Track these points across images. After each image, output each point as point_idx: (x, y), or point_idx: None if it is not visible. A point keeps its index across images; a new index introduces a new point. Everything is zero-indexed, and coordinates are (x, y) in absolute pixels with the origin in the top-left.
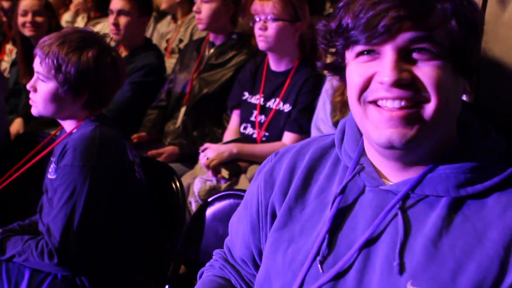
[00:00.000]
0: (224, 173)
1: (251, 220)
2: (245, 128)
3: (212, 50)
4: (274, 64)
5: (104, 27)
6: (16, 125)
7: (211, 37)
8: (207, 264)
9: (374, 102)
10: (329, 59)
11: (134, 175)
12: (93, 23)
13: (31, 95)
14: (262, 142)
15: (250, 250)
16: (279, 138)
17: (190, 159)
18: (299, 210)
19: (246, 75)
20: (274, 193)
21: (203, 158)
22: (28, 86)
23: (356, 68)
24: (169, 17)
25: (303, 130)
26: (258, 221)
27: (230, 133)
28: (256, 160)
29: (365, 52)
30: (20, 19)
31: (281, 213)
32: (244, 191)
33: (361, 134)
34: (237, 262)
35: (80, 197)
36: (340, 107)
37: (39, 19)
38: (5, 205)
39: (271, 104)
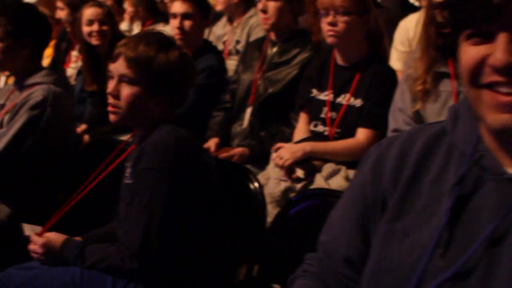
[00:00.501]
0: (299, 173)
1: (358, 214)
2: (315, 125)
3: (274, 49)
4: (342, 59)
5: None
6: (82, 133)
7: (273, 35)
8: (300, 269)
9: (488, 86)
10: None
11: (209, 177)
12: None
13: (112, 100)
14: (334, 139)
15: (358, 248)
16: (351, 134)
17: (260, 160)
18: (412, 200)
19: (313, 72)
20: (384, 183)
21: (276, 158)
22: (110, 91)
23: (467, 51)
24: (224, 19)
25: (377, 125)
26: (366, 214)
27: (300, 131)
28: (331, 158)
29: (477, 34)
30: (86, 29)
31: (393, 204)
32: (322, 190)
33: (477, 120)
34: (339, 263)
35: (159, 199)
36: (422, 95)
37: (104, 27)
38: (81, 214)
39: (341, 99)
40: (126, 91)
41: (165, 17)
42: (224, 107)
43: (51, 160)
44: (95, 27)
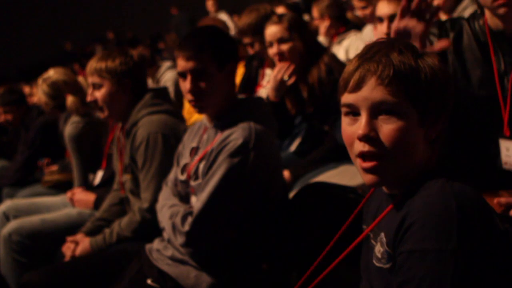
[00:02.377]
0: None
1: None
2: None
3: None
4: None
5: (351, 42)
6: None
7: None
8: None
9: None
10: None
11: None
12: (339, 40)
13: (366, 146)
14: None
15: None
16: None
17: None
18: None
19: None
20: None
21: None
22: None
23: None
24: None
25: None
26: None
27: None
28: None
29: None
30: (269, 51)
31: None
32: None
33: None
34: None
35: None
36: None
37: (284, 47)
38: None
39: None
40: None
41: (356, 25)
42: None
43: (255, 216)
44: (274, 48)
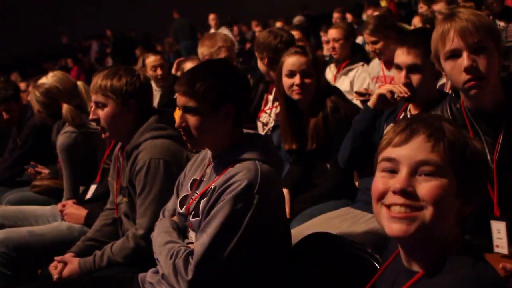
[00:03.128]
0: None
1: None
2: None
3: None
4: None
5: (358, 73)
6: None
7: None
8: None
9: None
10: None
11: None
12: (345, 71)
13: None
14: None
15: None
16: None
17: None
18: None
19: None
20: None
21: None
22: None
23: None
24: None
25: None
26: None
27: None
28: None
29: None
30: (286, 80)
31: None
32: None
33: None
34: None
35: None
36: None
37: (308, 80)
38: None
39: None
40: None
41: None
42: None
43: (258, 262)
44: (296, 79)
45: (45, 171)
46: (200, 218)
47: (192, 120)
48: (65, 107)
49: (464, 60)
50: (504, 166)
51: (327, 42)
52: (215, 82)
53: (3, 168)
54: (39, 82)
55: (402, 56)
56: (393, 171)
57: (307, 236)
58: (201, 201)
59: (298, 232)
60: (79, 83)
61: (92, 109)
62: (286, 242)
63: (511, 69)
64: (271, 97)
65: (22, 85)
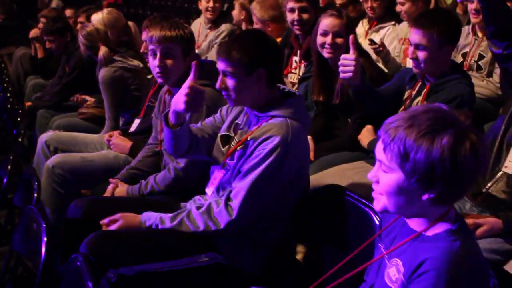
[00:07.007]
0: None
1: None
2: None
3: None
4: None
5: (388, 32)
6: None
7: None
8: None
9: None
10: None
11: None
12: (377, 28)
13: (374, 185)
14: None
15: None
16: None
17: None
18: None
19: None
20: None
21: None
22: (369, 177)
23: None
24: (467, 27)
25: None
26: None
27: None
28: None
29: None
30: (320, 39)
31: None
32: None
33: None
34: None
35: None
36: None
37: (339, 40)
38: None
39: None
40: (382, 178)
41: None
42: None
43: (277, 213)
44: (328, 39)
45: (91, 99)
46: (235, 161)
47: (229, 82)
48: (102, 49)
49: None
50: None
51: (365, 1)
52: (248, 51)
53: (52, 93)
54: (86, 24)
55: (411, 34)
56: None
57: (324, 188)
58: (237, 148)
59: (314, 180)
60: (130, 23)
61: (158, 56)
62: (306, 187)
63: None
64: (295, 58)
65: (68, 12)
